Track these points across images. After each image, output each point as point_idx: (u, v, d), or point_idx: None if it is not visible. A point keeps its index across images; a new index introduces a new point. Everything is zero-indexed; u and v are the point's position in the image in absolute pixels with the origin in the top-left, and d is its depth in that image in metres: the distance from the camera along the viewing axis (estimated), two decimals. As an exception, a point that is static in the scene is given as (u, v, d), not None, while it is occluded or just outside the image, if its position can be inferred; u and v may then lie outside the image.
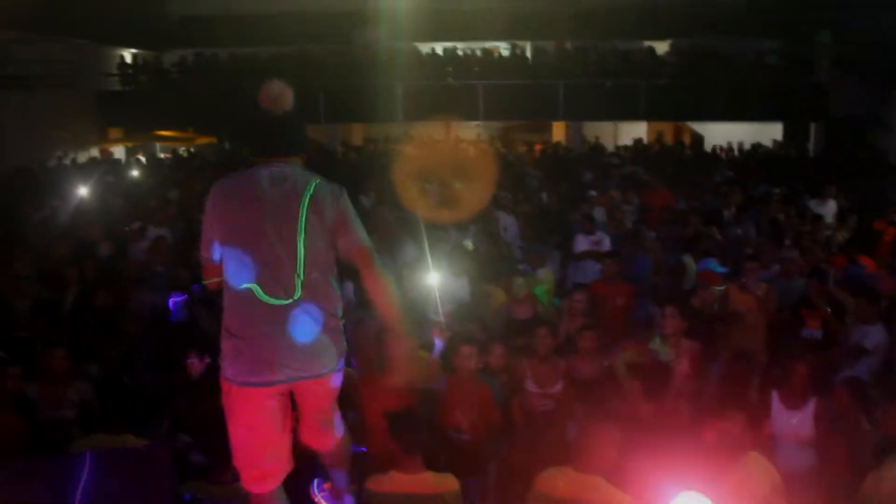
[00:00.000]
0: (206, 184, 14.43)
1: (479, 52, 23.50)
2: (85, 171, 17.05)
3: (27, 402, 5.03)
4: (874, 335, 6.49)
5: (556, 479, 4.10)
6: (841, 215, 11.32)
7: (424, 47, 23.66)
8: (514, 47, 24.24)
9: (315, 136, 24.79)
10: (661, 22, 23.29)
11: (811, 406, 5.12)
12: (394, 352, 3.29)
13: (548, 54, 23.34)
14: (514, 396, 5.63)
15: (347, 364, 3.59)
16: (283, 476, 3.33)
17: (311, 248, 3.09)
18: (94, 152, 22.50)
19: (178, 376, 5.50)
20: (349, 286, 6.42)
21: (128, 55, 23.88)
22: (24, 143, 18.86)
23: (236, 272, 3.04)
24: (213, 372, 3.97)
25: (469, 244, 8.61)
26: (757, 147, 21.78)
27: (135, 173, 17.46)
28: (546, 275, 8.49)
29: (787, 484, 4.36)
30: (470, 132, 25.92)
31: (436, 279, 6.60)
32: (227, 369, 3.09)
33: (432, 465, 4.25)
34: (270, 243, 3.04)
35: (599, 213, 11.39)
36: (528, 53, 24.59)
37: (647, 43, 23.33)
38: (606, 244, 9.30)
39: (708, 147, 23.45)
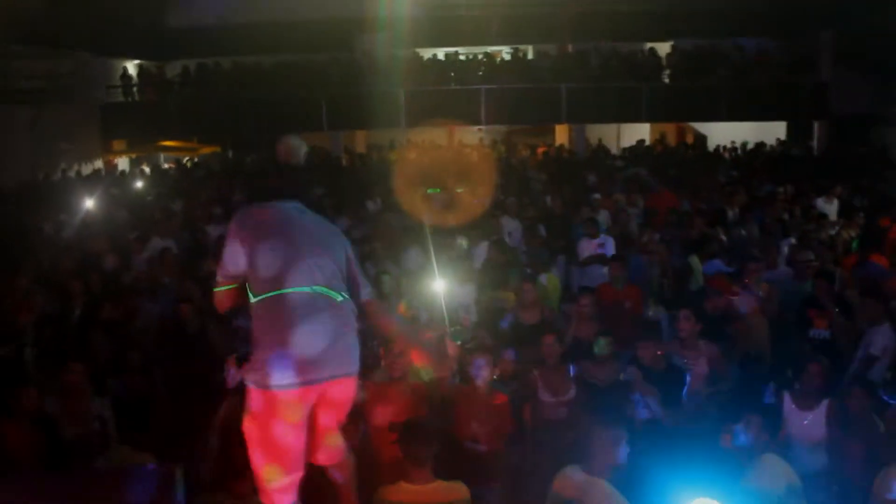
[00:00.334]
0: (211, 194, 14.62)
1: (481, 57, 23.49)
2: (89, 183, 17.11)
3: (46, 418, 5.03)
4: (882, 336, 6.47)
5: (566, 479, 4.20)
6: (848, 213, 11.27)
7: (426, 53, 23.68)
8: (515, 51, 24.23)
9: (318, 143, 24.87)
10: (662, 23, 23.26)
11: (824, 407, 5.11)
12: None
13: (550, 57, 23.34)
14: (525, 403, 5.62)
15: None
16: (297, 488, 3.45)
17: (339, 263, 3.53)
18: (99, 164, 22.57)
19: (194, 389, 5.51)
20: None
21: (130, 67, 23.94)
22: (29, 157, 18.94)
23: (278, 281, 3.32)
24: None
25: (463, 242, 8.58)
26: (760, 146, 21.76)
27: (139, 184, 17.49)
28: (551, 280, 8.49)
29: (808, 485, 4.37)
30: (473, 136, 25.95)
31: (442, 286, 6.57)
32: (270, 377, 3.27)
33: (443, 473, 4.24)
34: (311, 256, 3.41)
35: (604, 217, 11.38)
36: (530, 57, 24.60)
37: (648, 44, 23.32)
38: (611, 247, 9.27)
39: (711, 147, 23.43)
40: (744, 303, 7.24)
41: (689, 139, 26.23)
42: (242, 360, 3.56)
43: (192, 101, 22.87)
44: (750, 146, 21.77)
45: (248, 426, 3.39)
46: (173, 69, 23.97)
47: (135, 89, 23.32)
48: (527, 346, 6.21)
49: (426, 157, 19.84)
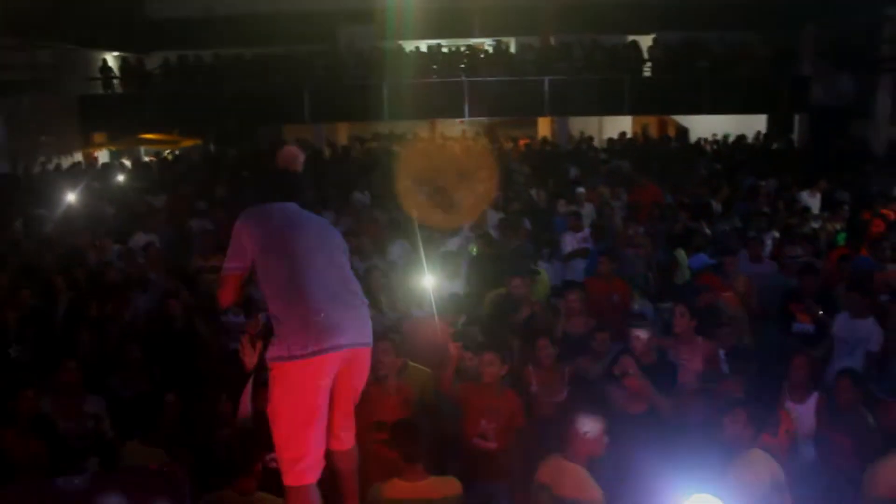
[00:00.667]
0: (195, 187, 14.51)
1: (463, 49, 23.45)
2: (70, 176, 16.95)
3: (43, 421, 5.00)
4: (863, 329, 6.56)
5: (546, 466, 4.32)
6: (832, 207, 11.37)
7: (408, 45, 23.61)
8: (498, 43, 24.22)
9: (301, 135, 24.77)
10: (644, 16, 23.32)
11: (813, 399, 5.16)
12: None
13: (532, 50, 23.33)
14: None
15: None
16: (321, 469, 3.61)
17: (344, 256, 3.84)
18: (78, 157, 22.33)
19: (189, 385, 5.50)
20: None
21: (110, 58, 23.68)
22: (8, 149, 18.72)
23: (294, 270, 3.57)
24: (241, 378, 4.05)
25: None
26: (741, 139, 21.91)
27: (120, 178, 17.32)
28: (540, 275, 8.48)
29: (789, 477, 4.41)
30: (455, 129, 25.92)
31: (430, 281, 6.58)
32: (292, 347, 3.45)
33: (451, 470, 4.32)
34: (322, 249, 3.70)
35: (588, 210, 11.42)
36: (513, 49, 24.60)
37: (631, 37, 23.37)
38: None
39: (693, 140, 23.55)
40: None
41: (671, 132, 26.36)
42: (259, 338, 3.78)
43: (172, 93, 22.65)
44: (731, 139, 21.90)
45: (274, 405, 3.53)
46: (154, 61, 23.75)
47: (115, 81, 23.05)
48: (516, 341, 6.23)
49: (415, 150, 19.78)
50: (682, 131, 25.65)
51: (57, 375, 5.33)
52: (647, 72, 22.52)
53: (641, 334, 5.56)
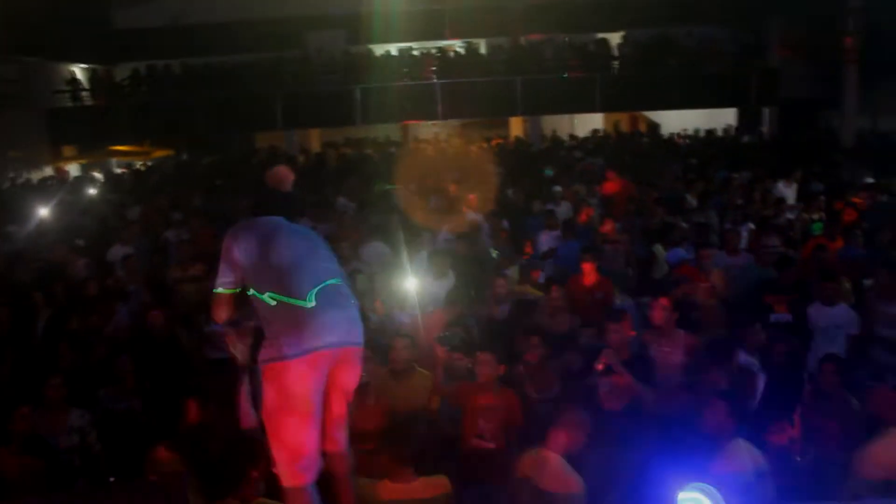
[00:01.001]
0: (170, 198, 14.40)
1: (434, 52, 23.48)
2: (41, 190, 16.76)
3: (39, 439, 4.96)
4: (838, 315, 6.67)
5: (525, 459, 4.39)
6: (808, 197, 11.51)
7: (379, 49, 23.59)
8: (468, 45, 24.28)
9: (274, 142, 24.68)
10: (613, 14, 23.47)
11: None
12: None
13: (503, 50, 23.42)
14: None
15: None
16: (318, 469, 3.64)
17: (333, 263, 3.91)
18: (49, 171, 22.08)
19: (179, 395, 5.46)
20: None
21: (78, 71, 23.46)
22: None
23: (287, 284, 3.60)
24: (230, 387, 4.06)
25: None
26: (711, 133, 22.12)
27: (91, 191, 17.15)
28: (515, 273, 8.52)
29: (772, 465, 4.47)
30: (428, 131, 25.95)
31: (413, 283, 6.59)
32: (283, 347, 3.49)
33: (450, 471, 4.35)
34: (312, 258, 3.77)
35: (566, 208, 11.49)
36: (483, 50, 24.66)
37: (600, 35, 23.52)
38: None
39: (664, 135, 23.75)
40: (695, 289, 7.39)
41: (643, 127, 26.56)
42: (239, 330, 3.81)
43: (142, 104, 22.47)
44: (702, 133, 22.12)
45: (268, 407, 3.56)
46: (122, 72, 23.54)
47: (83, 94, 22.82)
48: (499, 342, 6.24)
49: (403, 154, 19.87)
50: (654, 127, 25.85)
51: (41, 391, 5.28)
52: (617, 69, 22.64)
53: (619, 329, 5.63)
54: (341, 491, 3.85)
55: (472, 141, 23.28)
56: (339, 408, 3.79)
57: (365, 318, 6.58)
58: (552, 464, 4.26)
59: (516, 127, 25.83)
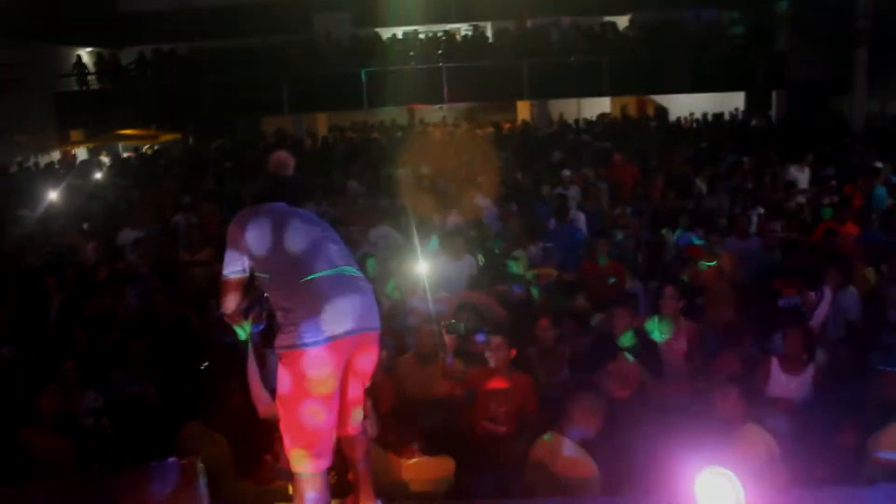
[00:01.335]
0: (178, 182, 14.42)
1: (440, 35, 23.39)
2: (49, 174, 16.80)
3: (68, 418, 4.98)
4: (842, 298, 6.68)
5: (540, 444, 4.36)
6: (820, 182, 11.46)
7: (385, 32, 23.52)
8: (475, 28, 24.19)
9: (281, 126, 24.67)
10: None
11: (810, 371, 5.24)
12: None
13: (509, 34, 23.33)
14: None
15: None
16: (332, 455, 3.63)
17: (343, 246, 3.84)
18: (56, 155, 22.12)
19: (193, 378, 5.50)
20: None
21: (84, 54, 23.43)
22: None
23: (301, 267, 3.59)
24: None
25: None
26: (719, 117, 22.03)
27: (98, 175, 17.18)
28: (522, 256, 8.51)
29: (785, 448, 4.48)
30: (435, 115, 25.89)
31: (425, 267, 6.59)
32: (305, 335, 3.45)
33: (462, 456, 4.46)
34: (324, 242, 3.72)
35: (574, 192, 11.48)
36: (489, 34, 24.58)
37: (607, 18, 23.40)
38: (582, 223, 9.36)
39: (672, 118, 23.66)
40: (705, 274, 7.39)
41: (650, 111, 26.46)
42: (249, 313, 3.75)
43: (149, 87, 22.49)
44: (710, 117, 22.03)
45: (286, 393, 3.52)
46: (129, 56, 23.51)
47: (90, 77, 22.80)
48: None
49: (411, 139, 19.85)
50: (662, 111, 25.75)
51: (55, 375, 5.30)
52: (624, 52, 22.54)
53: (623, 314, 5.64)
54: (359, 472, 3.86)
55: (479, 125, 23.25)
56: (357, 392, 3.77)
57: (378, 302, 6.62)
58: (567, 449, 4.26)
59: (523, 111, 25.76)
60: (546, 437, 4.39)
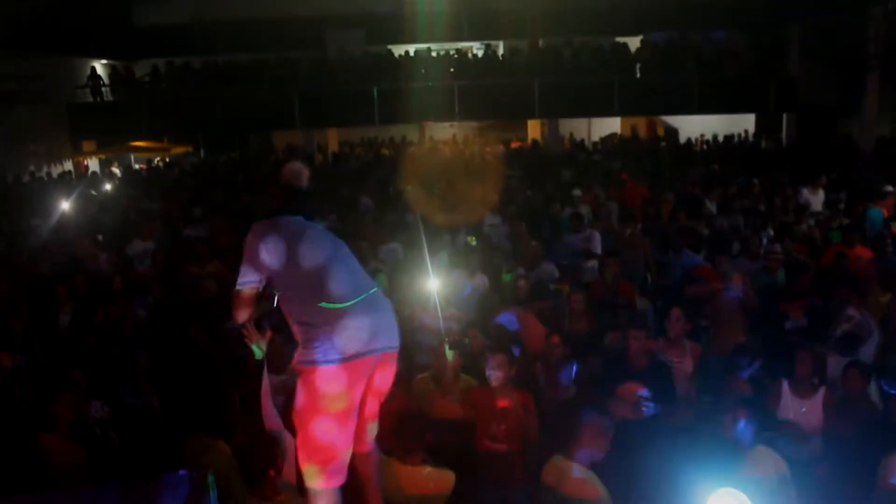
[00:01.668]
0: (189, 194, 14.48)
1: (452, 53, 23.52)
2: (61, 185, 16.89)
3: (84, 426, 5.00)
4: (857, 321, 6.63)
5: (550, 467, 4.35)
6: (829, 205, 11.45)
7: (398, 50, 23.67)
8: (487, 47, 24.32)
9: (292, 141, 24.79)
10: (632, 17, 23.46)
11: (821, 394, 5.22)
12: None
13: (521, 53, 23.43)
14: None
15: None
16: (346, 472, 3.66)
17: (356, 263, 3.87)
18: (68, 166, 22.26)
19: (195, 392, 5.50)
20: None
21: (99, 66, 23.63)
22: (-3, 158, 18.71)
23: (321, 284, 3.59)
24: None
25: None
26: (730, 139, 22.04)
27: (108, 186, 17.27)
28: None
29: (796, 472, 4.46)
30: (446, 132, 25.98)
31: (435, 284, 6.59)
32: (330, 352, 3.49)
33: (465, 475, 4.46)
34: (342, 257, 3.76)
35: (584, 211, 11.48)
36: (501, 52, 24.70)
37: (619, 38, 23.49)
38: (597, 241, 9.36)
39: (682, 139, 23.69)
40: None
41: (661, 132, 26.51)
42: (264, 330, 3.82)
43: (162, 100, 22.62)
44: (720, 139, 22.05)
45: (304, 409, 3.54)
46: (142, 68, 23.70)
47: (104, 89, 22.98)
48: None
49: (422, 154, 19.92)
50: (672, 131, 25.79)
51: (65, 383, 5.32)
52: (635, 73, 22.61)
53: (638, 336, 5.62)
54: (368, 489, 3.86)
55: (489, 143, 23.31)
56: (373, 409, 3.80)
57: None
58: (575, 471, 4.25)
59: (534, 129, 25.84)
60: (555, 459, 4.38)
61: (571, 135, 26.50)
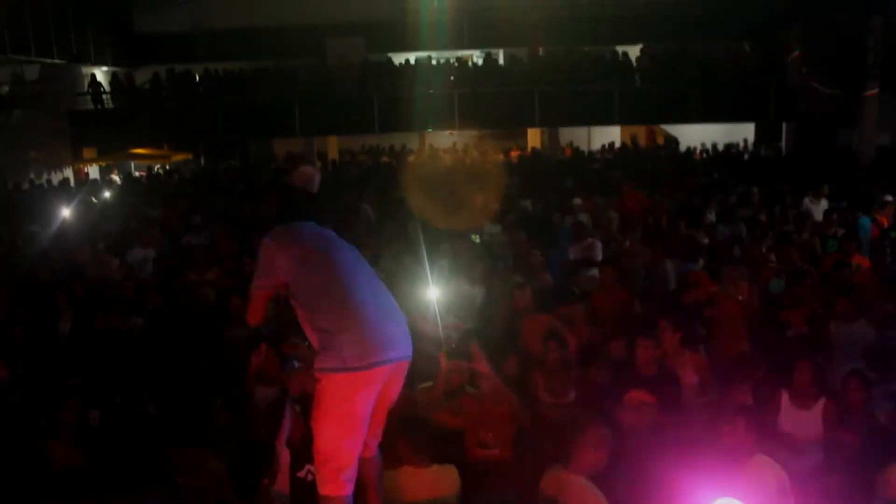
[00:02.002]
0: (189, 201, 14.48)
1: (452, 61, 23.57)
2: (61, 192, 16.90)
3: (88, 431, 5.00)
4: (856, 332, 6.63)
5: (549, 477, 4.30)
6: (826, 213, 11.45)
7: (398, 58, 23.71)
8: (487, 55, 24.37)
9: (292, 149, 24.82)
10: (632, 26, 23.55)
11: (821, 405, 5.20)
12: None
13: (521, 61, 23.48)
14: (526, 408, 5.64)
15: None
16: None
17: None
18: (68, 173, 22.29)
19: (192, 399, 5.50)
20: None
21: (99, 74, 23.67)
22: (-3, 165, 18.73)
23: (340, 292, 3.62)
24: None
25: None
26: (730, 148, 22.07)
27: (107, 194, 17.27)
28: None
29: (796, 483, 4.44)
30: (445, 140, 26.01)
31: (435, 292, 6.58)
32: (348, 359, 3.52)
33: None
34: (358, 265, 3.81)
35: (585, 220, 11.47)
36: (501, 61, 24.75)
37: (619, 47, 23.55)
38: (598, 250, 9.35)
39: (682, 148, 23.72)
40: (722, 305, 7.34)
41: (660, 140, 26.55)
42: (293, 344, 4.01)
43: (162, 107, 22.66)
44: (720, 148, 22.08)
45: (322, 415, 3.58)
46: (143, 76, 23.75)
47: (104, 96, 23.02)
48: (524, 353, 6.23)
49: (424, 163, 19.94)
50: (672, 141, 25.83)
51: (65, 391, 5.31)
52: (635, 82, 22.67)
53: (648, 345, 5.58)
54: (370, 494, 3.88)
55: (489, 151, 23.33)
56: (381, 416, 3.83)
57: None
58: (575, 483, 4.23)
59: (534, 138, 25.89)
60: (555, 469, 4.37)
61: (571, 143, 26.55)
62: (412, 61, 23.57)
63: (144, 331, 7.37)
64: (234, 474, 4.24)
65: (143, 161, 24.57)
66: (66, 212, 12.61)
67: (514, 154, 23.86)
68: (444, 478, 4.37)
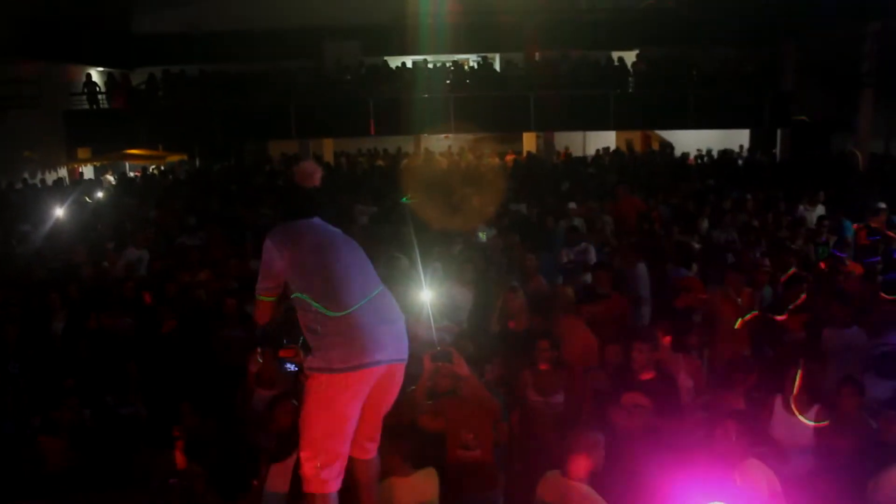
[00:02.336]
0: (184, 202, 14.45)
1: (448, 65, 23.58)
2: (56, 191, 16.86)
3: (86, 431, 4.99)
4: (849, 337, 6.64)
5: (547, 483, 4.34)
6: (818, 219, 11.47)
7: (395, 61, 23.72)
8: (483, 59, 24.39)
9: (287, 151, 24.78)
10: (628, 32, 23.58)
11: (814, 411, 5.21)
12: None
13: (517, 66, 23.50)
14: (514, 409, 5.65)
15: None
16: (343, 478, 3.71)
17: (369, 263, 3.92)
18: (63, 172, 22.22)
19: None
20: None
21: (95, 74, 23.62)
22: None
23: (336, 294, 3.60)
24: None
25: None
26: (725, 153, 22.11)
27: (100, 194, 17.25)
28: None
29: (789, 489, 4.45)
30: (440, 144, 26.01)
31: (428, 295, 6.57)
32: (333, 360, 3.53)
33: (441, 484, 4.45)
34: (357, 265, 3.79)
35: (579, 224, 11.48)
36: (498, 65, 24.77)
37: (616, 52, 23.59)
38: (592, 254, 9.36)
39: (678, 154, 23.77)
40: (721, 310, 7.35)
41: (655, 146, 26.60)
42: (289, 348, 3.95)
43: (158, 108, 22.59)
44: (715, 154, 22.13)
45: (308, 413, 3.60)
46: (139, 76, 23.70)
47: (100, 97, 22.97)
48: (515, 354, 6.23)
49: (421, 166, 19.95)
50: (667, 146, 25.88)
51: (59, 391, 5.31)
52: (631, 87, 22.70)
53: (644, 349, 5.60)
54: (366, 497, 3.89)
55: (484, 155, 23.34)
56: (376, 419, 3.84)
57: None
58: (571, 486, 4.22)
59: (529, 142, 25.89)
60: (551, 475, 4.37)
61: (567, 148, 26.59)
62: (409, 65, 23.57)
63: (136, 331, 7.37)
64: (221, 476, 4.21)
65: (138, 162, 24.52)
66: (59, 211, 12.58)
67: (510, 158, 23.84)
68: (426, 483, 4.41)
